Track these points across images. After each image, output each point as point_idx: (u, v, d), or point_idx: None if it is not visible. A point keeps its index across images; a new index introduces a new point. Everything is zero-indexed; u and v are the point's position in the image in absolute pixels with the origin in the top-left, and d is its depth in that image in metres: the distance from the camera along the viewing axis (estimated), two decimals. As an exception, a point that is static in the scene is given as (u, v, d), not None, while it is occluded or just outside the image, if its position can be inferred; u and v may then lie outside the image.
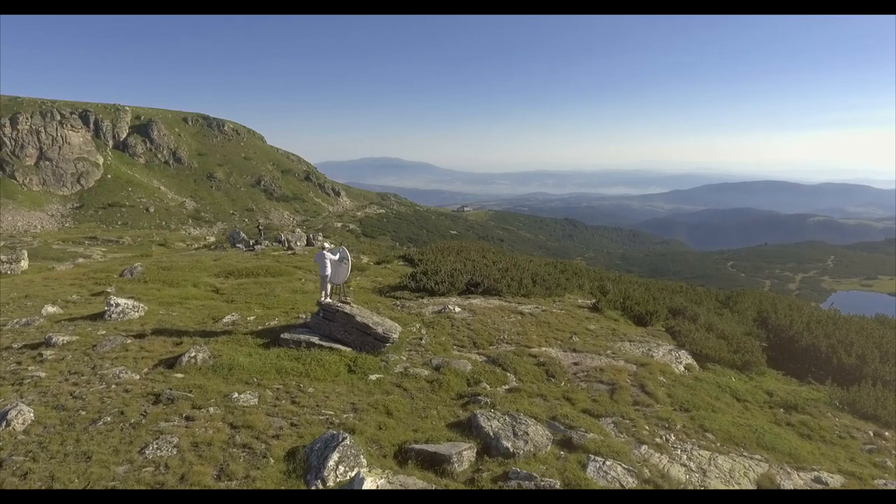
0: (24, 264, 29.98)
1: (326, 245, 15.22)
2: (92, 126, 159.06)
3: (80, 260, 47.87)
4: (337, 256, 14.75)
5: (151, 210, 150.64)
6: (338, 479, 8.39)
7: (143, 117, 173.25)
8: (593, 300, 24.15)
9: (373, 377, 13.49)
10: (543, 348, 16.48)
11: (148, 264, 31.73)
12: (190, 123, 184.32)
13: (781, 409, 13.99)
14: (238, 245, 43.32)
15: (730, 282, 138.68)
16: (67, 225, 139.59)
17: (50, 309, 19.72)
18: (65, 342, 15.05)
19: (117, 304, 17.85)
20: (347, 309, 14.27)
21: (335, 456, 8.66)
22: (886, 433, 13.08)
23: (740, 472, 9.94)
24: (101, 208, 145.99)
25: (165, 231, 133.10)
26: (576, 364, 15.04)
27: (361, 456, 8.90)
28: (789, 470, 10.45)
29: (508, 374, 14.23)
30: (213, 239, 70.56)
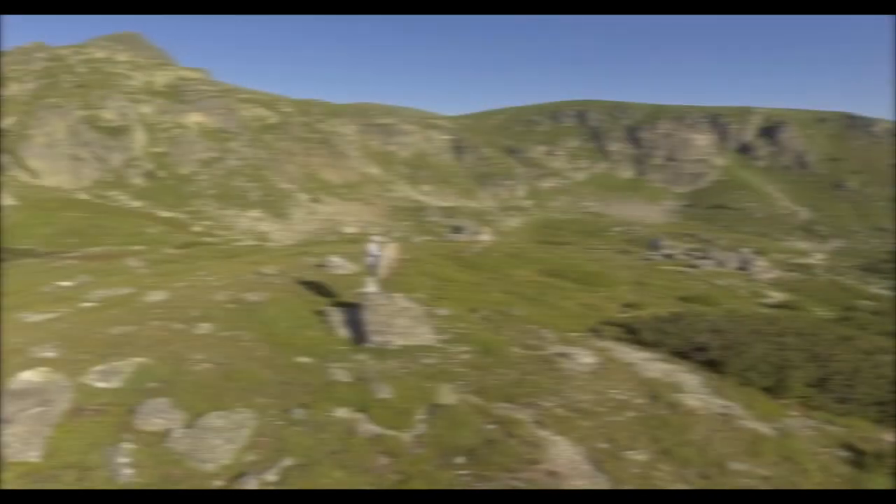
0: (485, 237, 33.57)
1: (374, 237, 14.37)
2: (718, 129, 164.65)
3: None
4: (375, 249, 13.66)
5: (757, 216, 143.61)
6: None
7: (772, 119, 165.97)
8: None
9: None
10: None
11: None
12: (828, 124, 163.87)
13: None
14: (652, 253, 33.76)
15: None
16: (673, 221, 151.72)
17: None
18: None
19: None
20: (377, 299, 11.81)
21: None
22: None
23: None
24: (708, 209, 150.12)
25: (764, 239, 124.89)
26: None
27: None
28: None
29: None
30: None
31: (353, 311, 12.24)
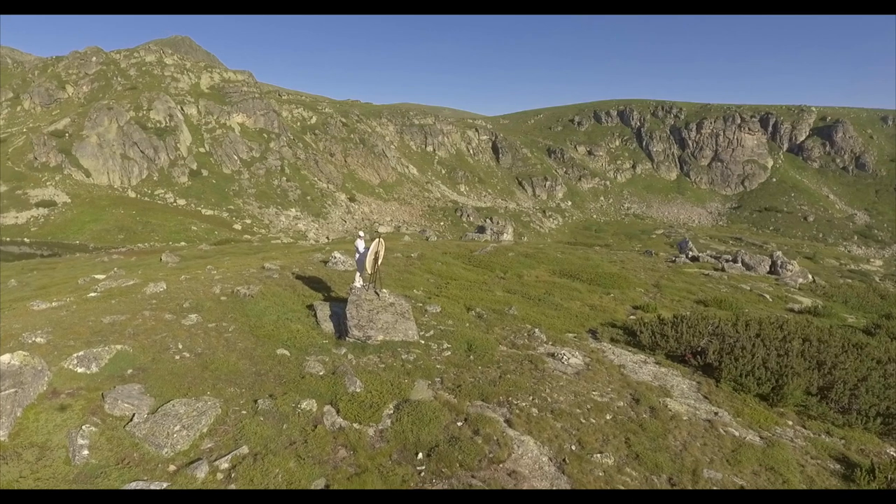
0: (507, 237, 32.81)
1: (361, 234, 14.62)
2: (770, 129, 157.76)
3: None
4: (362, 245, 13.78)
5: (810, 219, 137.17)
6: None
7: (828, 118, 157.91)
8: None
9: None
10: None
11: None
12: (890, 123, 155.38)
13: None
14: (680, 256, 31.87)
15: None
16: (720, 223, 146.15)
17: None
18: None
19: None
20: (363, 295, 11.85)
21: None
22: None
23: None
24: (757, 211, 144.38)
25: (819, 244, 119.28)
26: None
27: None
28: None
29: None
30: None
31: (339, 305, 12.33)
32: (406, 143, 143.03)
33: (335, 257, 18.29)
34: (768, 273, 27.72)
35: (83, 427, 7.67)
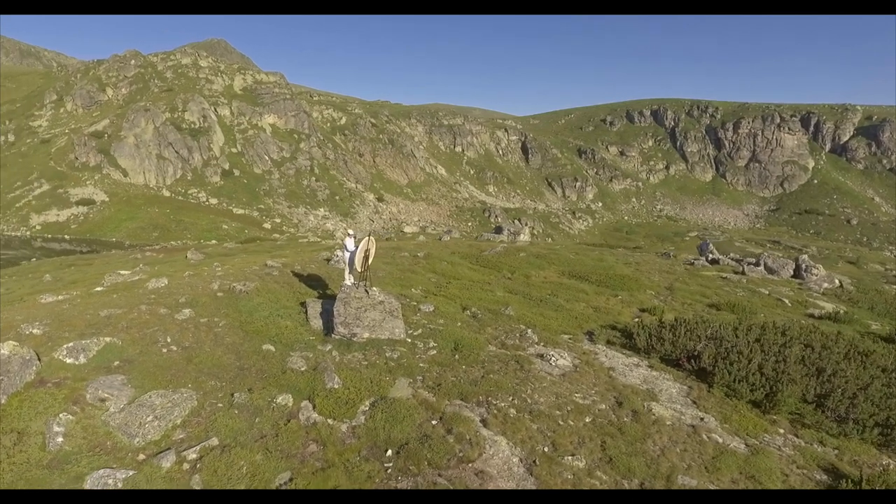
0: (524, 238, 32.24)
1: (350, 232, 14.96)
2: (811, 128, 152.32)
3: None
4: (351, 244, 13.93)
5: (854, 222, 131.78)
6: None
7: (875, 117, 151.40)
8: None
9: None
10: None
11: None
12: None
13: None
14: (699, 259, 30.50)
15: None
16: (758, 226, 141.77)
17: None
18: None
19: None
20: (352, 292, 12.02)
21: None
22: None
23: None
24: (797, 213, 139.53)
25: (864, 248, 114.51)
26: None
27: None
28: None
29: None
30: None
31: (331, 303, 12.47)
32: (435, 144, 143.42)
33: (337, 255, 18.51)
34: (792, 277, 26.85)
35: (60, 415, 7.97)
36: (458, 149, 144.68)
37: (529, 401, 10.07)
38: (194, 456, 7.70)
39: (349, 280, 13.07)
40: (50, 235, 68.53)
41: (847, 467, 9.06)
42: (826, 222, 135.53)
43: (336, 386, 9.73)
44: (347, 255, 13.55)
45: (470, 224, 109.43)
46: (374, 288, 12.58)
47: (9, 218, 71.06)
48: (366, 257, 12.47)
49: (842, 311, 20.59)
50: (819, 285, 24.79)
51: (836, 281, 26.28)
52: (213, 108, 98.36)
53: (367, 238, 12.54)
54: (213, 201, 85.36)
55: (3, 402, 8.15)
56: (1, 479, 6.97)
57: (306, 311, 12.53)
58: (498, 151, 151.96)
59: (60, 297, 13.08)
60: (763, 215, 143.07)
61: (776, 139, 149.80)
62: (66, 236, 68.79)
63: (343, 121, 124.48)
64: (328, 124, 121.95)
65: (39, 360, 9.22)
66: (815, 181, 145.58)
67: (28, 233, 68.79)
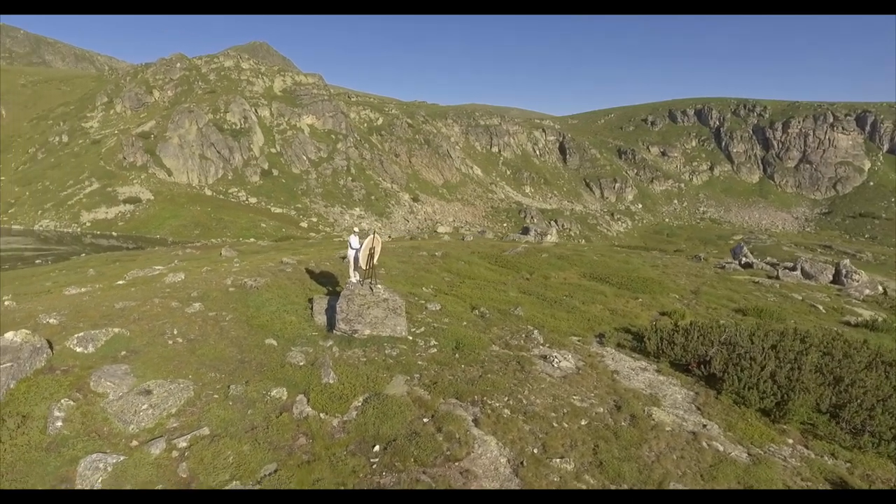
0: (551, 238, 31.68)
1: (355, 230, 14.90)
2: (867, 128, 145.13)
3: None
4: (356, 242, 14.02)
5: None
6: None
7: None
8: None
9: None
10: None
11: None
12: None
13: None
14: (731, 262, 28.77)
15: None
16: (808, 230, 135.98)
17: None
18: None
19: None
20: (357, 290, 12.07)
21: None
22: None
23: None
24: (850, 217, 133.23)
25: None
26: None
27: None
28: None
29: None
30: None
31: (335, 299, 12.61)
32: (471, 144, 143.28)
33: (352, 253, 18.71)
34: (831, 282, 25.68)
35: (62, 401, 8.33)
36: (495, 149, 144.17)
37: (525, 402, 9.94)
38: (184, 444, 7.92)
39: (354, 277, 13.19)
40: (99, 232, 71.73)
41: (857, 481, 8.60)
42: (883, 226, 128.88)
43: (331, 381, 9.84)
44: (352, 252, 13.70)
45: (505, 225, 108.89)
46: (380, 285, 12.67)
47: (62, 215, 74.74)
48: (371, 255, 12.57)
49: (880, 320, 19.56)
50: (860, 292, 23.61)
51: (880, 287, 24.98)
52: (253, 110, 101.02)
53: (372, 236, 12.64)
54: (253, 200, 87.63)
55: (12, 386, 8.59)
56: (2, 460, 7.35)
57: (312, 307, 12.71)
58: (535, 152, 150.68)
59: (83, 290, 13.69)
60: (814, 218, 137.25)
61: (829, 139, 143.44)
62: (114, 233, 71.86)
63: (380, 121, 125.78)
64: (365, 125, 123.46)
65: (52, 348, 9.67)
66: (872, 183, 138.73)
67: (79, 229, 72.18)
